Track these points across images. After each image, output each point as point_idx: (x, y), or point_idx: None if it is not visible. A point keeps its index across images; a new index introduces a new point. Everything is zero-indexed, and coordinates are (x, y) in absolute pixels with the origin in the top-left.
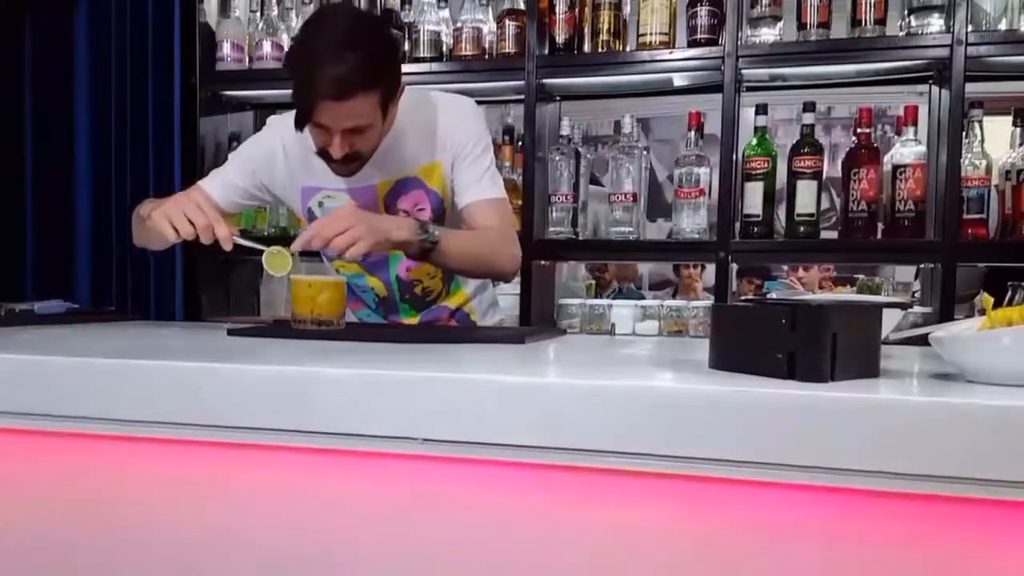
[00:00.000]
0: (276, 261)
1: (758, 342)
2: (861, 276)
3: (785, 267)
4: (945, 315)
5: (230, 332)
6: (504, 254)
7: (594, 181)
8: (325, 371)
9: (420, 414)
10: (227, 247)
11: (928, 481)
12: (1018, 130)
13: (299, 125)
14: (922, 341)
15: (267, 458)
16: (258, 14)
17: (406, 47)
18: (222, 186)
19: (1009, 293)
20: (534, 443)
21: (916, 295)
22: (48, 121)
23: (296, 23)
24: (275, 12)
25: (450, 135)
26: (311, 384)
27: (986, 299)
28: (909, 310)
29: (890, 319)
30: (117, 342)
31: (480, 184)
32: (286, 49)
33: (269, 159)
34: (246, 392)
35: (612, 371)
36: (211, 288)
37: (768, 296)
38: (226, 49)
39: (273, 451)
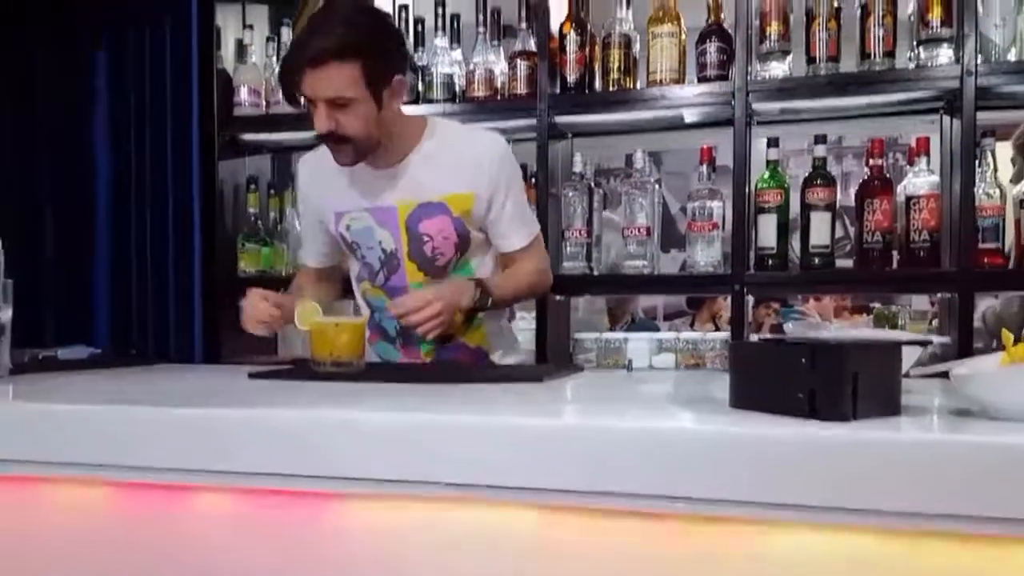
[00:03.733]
0: (306, 314)
1: (779, 381)
2: (877, 305)
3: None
4: (963, 345)
5: (251, 375)
6: (542, 282)
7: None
8: (346, 415)
9: (441, 458)
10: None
11: (954, 520)
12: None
13: (287, 97)
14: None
15: (291, 503)
16: (274, 59)
17: (420, 88)
18: (315, 255)
19: None
20: (552, 486)
21: (934, 323)
22: (68, 165)
23: None
24: None
25: (487, 171)
26: (333, 429)
27: (1006, 335)
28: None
29: (909, 355)
30: (143, 388)
31: (521, 229)
32: None
33: (313, 199)
34: (268, 438)
35: (632, 411)
36: (230, 327)
37: (784, 325)
38: (243, 94)
39: (296, 496)
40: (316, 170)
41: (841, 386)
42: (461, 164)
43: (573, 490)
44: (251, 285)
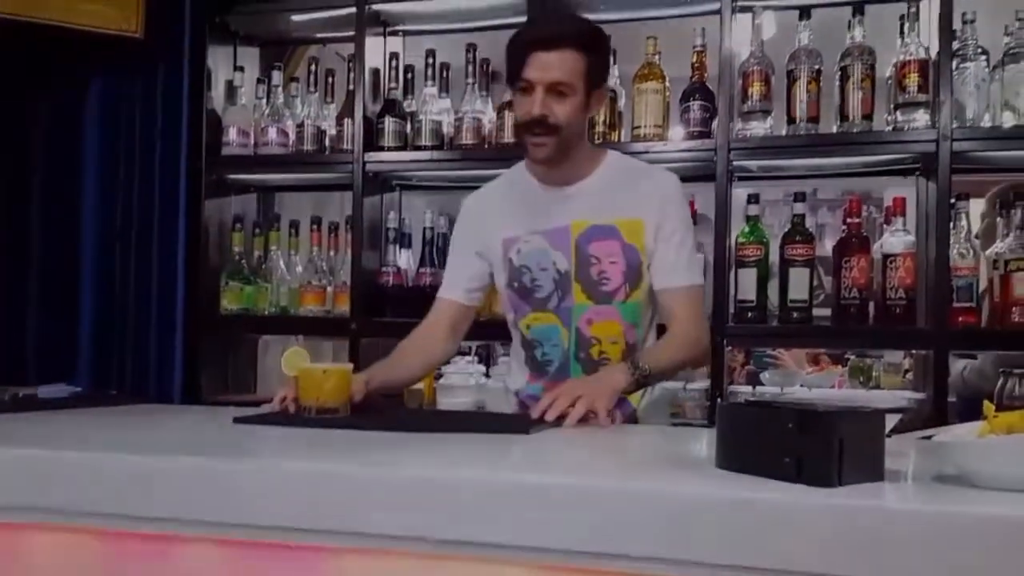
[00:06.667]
0: (293, 360)
1: (766, 445)
2: (851, 356)
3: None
4: (938, 402)
5: (236, 420)
6: (699, 353)
7: None
8: (335, 468)
9: (428, 513)
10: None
11: None
12: (1002, 221)
13: (511, 80)
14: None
15: (277, 555)
16: (264, 101)
17: (408, 134)
18: (461, 289)
19: (1001, 380)
20: (541, 544)
21: (908, 376)
22: (55, 202)
23: (301, 110)
24: (281, 100)
25: (658, 201)
26: (320, 481)
27: (988, 407)
28: (903, 391)
29: (889, 420)
30: (128, 432)
31: (680, 269)
32: (291, 135)
33: (476, 228)
34: (257, 490)
35: (619, 471)
36: (211, 366)
37: (761, 375)
38: (232, 134)
39: (283, 549)
40: (484, 201)
41: (827, 452)
42: (634, 192)
43: (557, 549)
44: (233, 323)
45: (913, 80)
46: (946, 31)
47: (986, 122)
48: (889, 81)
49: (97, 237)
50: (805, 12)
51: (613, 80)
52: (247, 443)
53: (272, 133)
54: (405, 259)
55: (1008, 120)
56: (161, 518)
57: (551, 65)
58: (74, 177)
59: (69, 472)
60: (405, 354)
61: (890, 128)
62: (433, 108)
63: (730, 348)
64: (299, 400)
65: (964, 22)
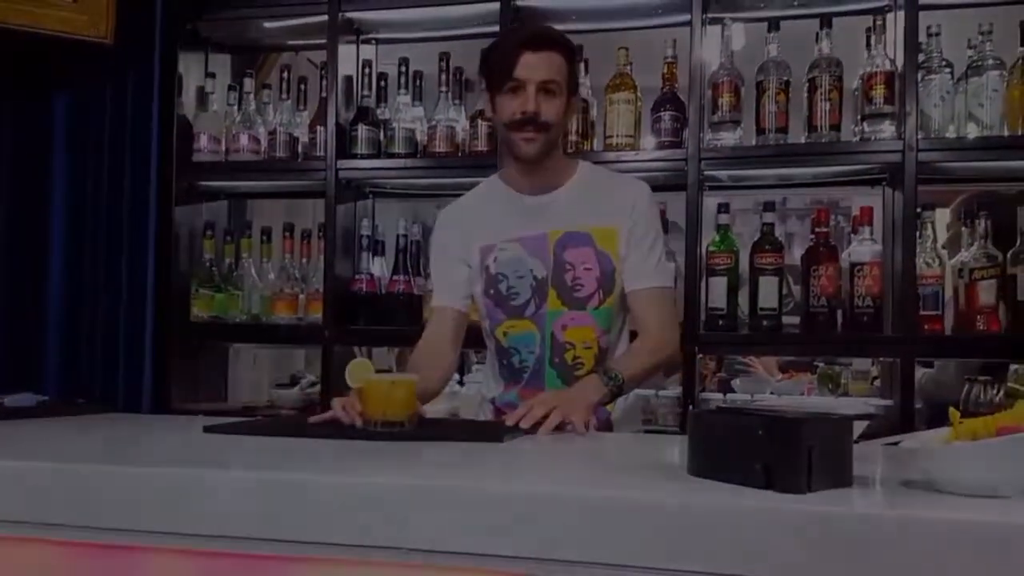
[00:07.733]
0: (357, 372)
1: (736, 452)
2: (820, 363)
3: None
4: (905, 408)
5: (206, 429)
6: (671, 355)
7: None
8: (301, 477)
9: (401, 523)
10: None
11: None
12: (967, 230)
13: (498, 82)
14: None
15: (243, 566)
16: (235, 108)
17: (380, 139)
18: (457, 296)
19: (966, 387)
20: (512, 553)
21: (876, 383)
22: (23, 208)
23: (273, 117)
24: (252, 107)
25: (631, 209)
26: (286, 491)
27: (953, 413)
28: (871, 398)
29: (857, 426)
30: (95, 443)
31: (650, 272)
32: (263, 142)
33: (456, 236)
34: (229, 500)
35: (591, 477)
36: (180, 373)
37: (732, 381)
38: (203, 141)
39: (249, 560)
40: (460, 211)
41: (797, 459)
42: (609, 201)
43: (527, 557)
44: (204, 331)
45: (879, 92)
46: (911, 44)
47: (951, 133)
48: (856, 92)
49: (66, 243)
50: (774, 24)
51: (585, 90)
52: (217, 453)
53: (244, 140)
54: (378, 267)
55: (972, 131)
56: (125, 529)
57: (542, 64)
58: (43, 184)
59: (31, 482)
60: (423, 368)
61: (857, 139)
62: (406, 116)
63: (701, 355)
64: (364, 413)
65: (929, 35)
